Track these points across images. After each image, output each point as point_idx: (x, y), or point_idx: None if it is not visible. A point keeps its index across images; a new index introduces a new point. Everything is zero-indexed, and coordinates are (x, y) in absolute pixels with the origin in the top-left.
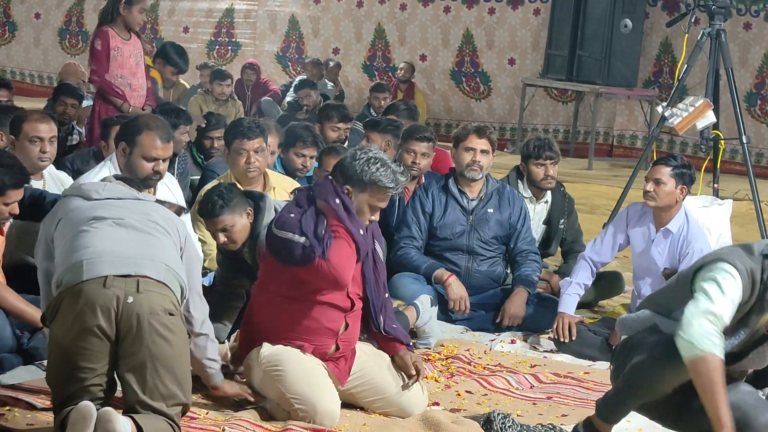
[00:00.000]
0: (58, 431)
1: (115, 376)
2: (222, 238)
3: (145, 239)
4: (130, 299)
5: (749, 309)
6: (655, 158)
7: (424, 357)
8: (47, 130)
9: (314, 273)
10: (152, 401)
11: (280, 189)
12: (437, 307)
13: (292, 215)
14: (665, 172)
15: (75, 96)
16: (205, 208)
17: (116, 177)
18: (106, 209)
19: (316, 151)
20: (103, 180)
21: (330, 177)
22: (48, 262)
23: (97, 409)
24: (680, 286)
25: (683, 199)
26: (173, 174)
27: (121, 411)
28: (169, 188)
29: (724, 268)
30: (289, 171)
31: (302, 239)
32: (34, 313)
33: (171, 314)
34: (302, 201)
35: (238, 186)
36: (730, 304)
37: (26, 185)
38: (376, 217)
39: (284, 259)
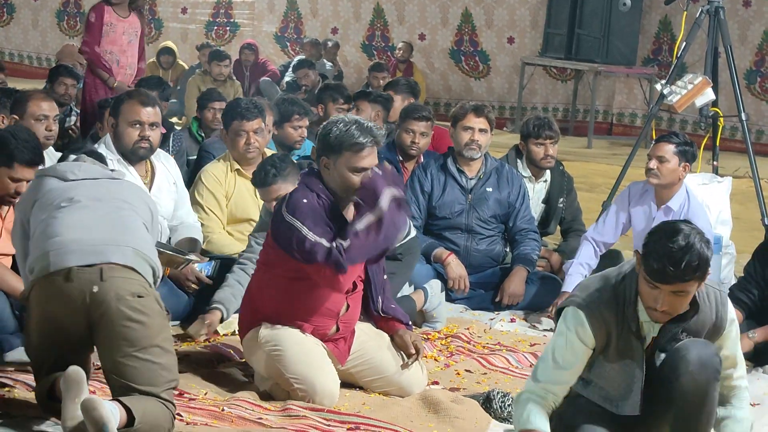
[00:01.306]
0: (46, 399)
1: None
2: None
3: (114, 222)
4: (95, 288)
5: (621, 342)
6: (654, 136)
7: (424, 336)
8: (51, 108)
9: (314, 271)
10: (139, 386)
11: None
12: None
13: (305, 201)
14: (669, 150)
15: (73, 76)
16: (258, 177)
17: (87, 153)
18: (81, 190)
19: (307, 121)
20: (76, 159)
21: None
22: (25, 243)
23: None
24: None
25: (685, 176)
26: (168, 152)
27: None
28: (166, 167)
29: (564, 320)
30: (284, 147)
31: (310, 234)
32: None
33: (140, 296)
34: (312, 184)
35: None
36: (567, 364)
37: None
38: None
39: (286, 248)
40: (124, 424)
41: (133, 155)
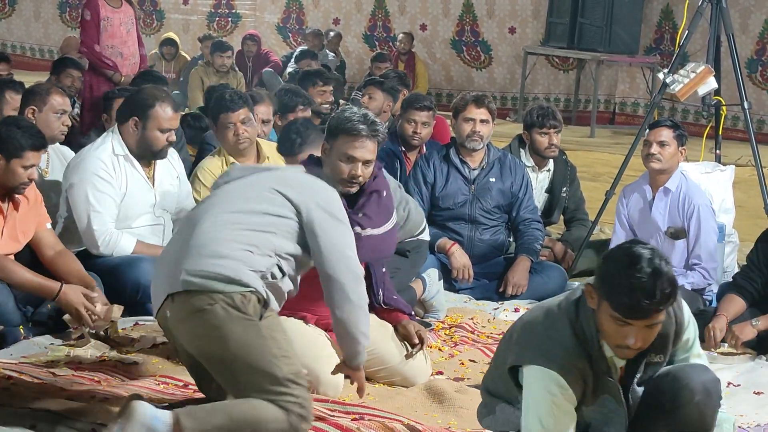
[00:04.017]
0: None
1: None
2: None
3: (183, 241)
4: (168, 313)
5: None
6: None
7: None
8: (67, 104)
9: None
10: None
11: (276, 157)
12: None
13: None
14: (668, 135)
15: (79, 68)
16: (284, 146)
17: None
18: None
19: (309, 110)
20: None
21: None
22: None
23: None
24: (500, 375)
25: (682, 160)
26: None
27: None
28: (169, 161)
29: (538, 382)
30: None
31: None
32: (48, 284)
33: (203, 310)
34: (312, 171)
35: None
36: (562, 427)
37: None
38: (359, 171)
39: None
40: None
41: (158, 156)
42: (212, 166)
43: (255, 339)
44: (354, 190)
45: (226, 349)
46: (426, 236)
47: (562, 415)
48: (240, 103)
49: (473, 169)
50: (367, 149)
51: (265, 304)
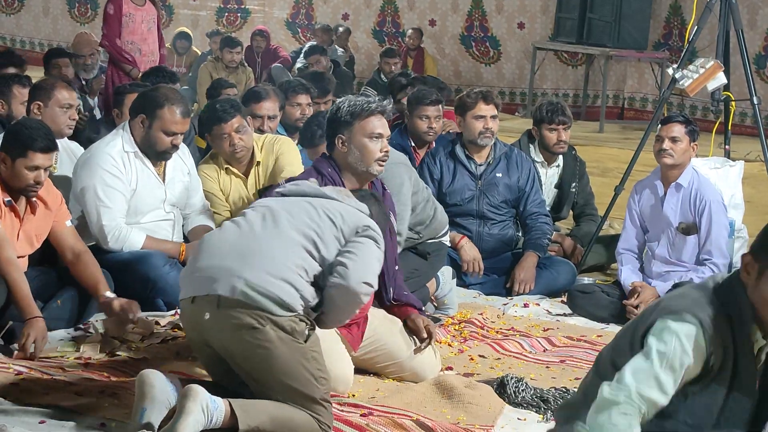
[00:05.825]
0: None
1: None
2: None
3: (245, 246)
4: (207, 315)
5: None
6: None
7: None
8: (74, 98)
9: None
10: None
11: (268, 158)
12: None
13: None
14: (680, 130)
15: (65, 56)
16: (306, 138)
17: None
18: (266, 205)
19: (309, 97)
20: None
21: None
22: None
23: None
24: (627, 339)
25: (693, 155)
26: None
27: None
28: (180, 157)
29: (670, 327)
30: (288, 127)
31: None
32: (29, 308)
33: (254, 328)
34: (322, 167)
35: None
36: (668, 373)
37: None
38: (387, 146)
39: None
40: (228, 426)
41: (161, 158)
42: (209, 170)
43: (299, 361)
44: (383, 169)
45: (270, 368)
46: (446, 239)
47: (679, 367)
48: (232, 112)
49: (480, 165)
50: (384, 124)
51: (312, 326)
